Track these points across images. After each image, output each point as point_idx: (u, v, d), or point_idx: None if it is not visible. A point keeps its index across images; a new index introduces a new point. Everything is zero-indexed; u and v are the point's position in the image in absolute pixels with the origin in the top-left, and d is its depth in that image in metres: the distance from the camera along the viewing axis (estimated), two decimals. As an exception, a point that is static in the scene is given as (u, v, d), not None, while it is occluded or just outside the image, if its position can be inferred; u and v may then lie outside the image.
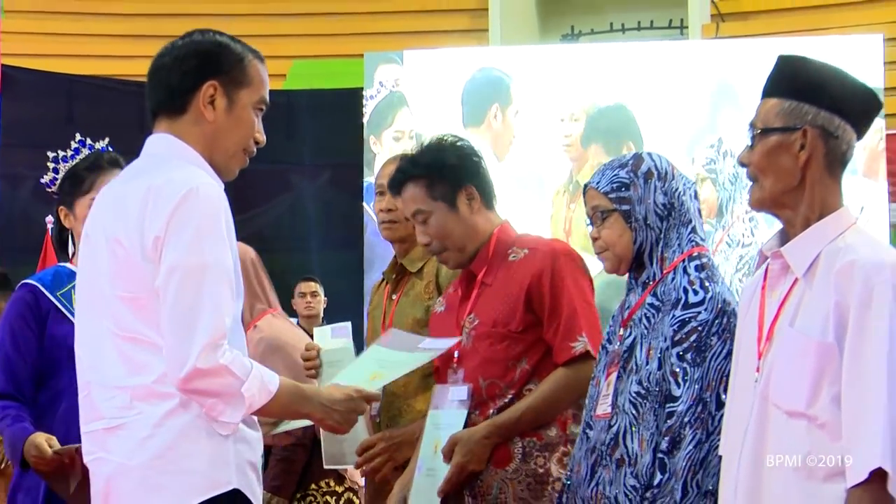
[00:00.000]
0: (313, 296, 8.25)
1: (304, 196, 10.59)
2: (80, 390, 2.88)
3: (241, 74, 2.89)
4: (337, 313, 8.72)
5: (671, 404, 3.02)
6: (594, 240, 3.24)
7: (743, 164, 2.83)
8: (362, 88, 9.66)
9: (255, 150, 2.94)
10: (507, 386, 3.50)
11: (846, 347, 2.62)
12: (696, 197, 3.25)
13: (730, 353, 2.98)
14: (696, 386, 3.00)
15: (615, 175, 3.20)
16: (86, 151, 3.98)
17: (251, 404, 2.73)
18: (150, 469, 2.71)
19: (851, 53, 8.53)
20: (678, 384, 3.02)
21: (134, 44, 11.25)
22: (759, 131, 2.78)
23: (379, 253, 10.01)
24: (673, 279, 3.12)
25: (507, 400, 3.50)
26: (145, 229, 2.72)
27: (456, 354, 3.59)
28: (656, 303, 3.12)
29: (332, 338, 4.05)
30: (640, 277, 3.19)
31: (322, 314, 8.29)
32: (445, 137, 3.76)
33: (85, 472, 3.42)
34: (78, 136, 4.05)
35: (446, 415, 3.54)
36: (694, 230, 3.19)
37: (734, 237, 8.83)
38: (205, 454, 2.72)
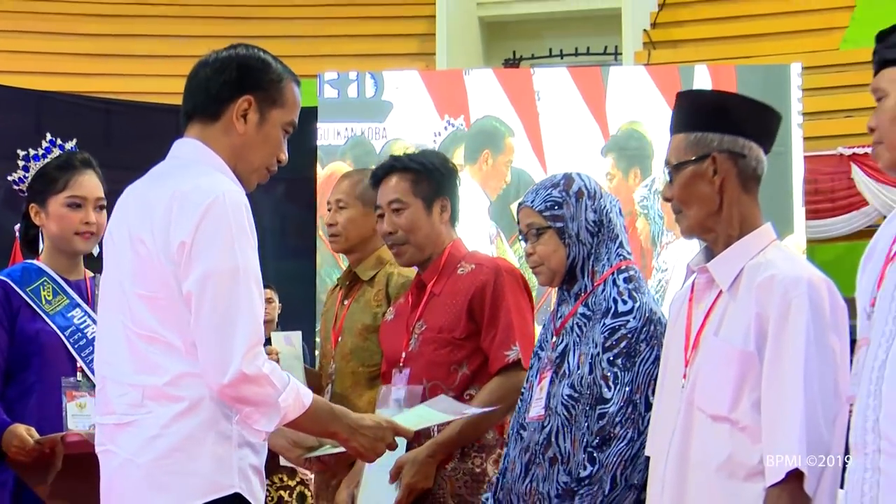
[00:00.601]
0: (269, 302, 8.18)
1: (261, 208, 10.47)
2: (97, 383, 2.83)
3: (277, 94, 2.82)
4: (291, 318, 8.67)
5: (602, 406, 3.03)
6: (529, 255, 3.25)
7: (667, 199, 2.86)
8: (315, 108, 9.65)
9: (276, 168, 2.87)
10: (449, 388, 3.52)
11: (766, 356, 2.65)
12: (620, 213, 3.28)
13: (657, 358, 3.01)
14: (627, 388, 3.02)
15: (549, 194, 3.22)
16: (57, 151, 3.88)
17: (286, 415, 2.66)
18: (155, 468, 2.64)
19: (773, 81, 8.60)
20: (609, 387, 3.03)
21: (101, 62, 11.18)
22: (674, 166, 2.80)
23: (330, 261, 9.99)
24: (603, 290, 3.14)
25: None
26: (171, 233, 2.64)
27: (403, 356, 3.63)
28: (587, 312, 3.15)
29: (285, 345, 4.05)
30: (573, 289, 3.21)
31: (277, 319, 8.25)
32: (430, 151, 3.83)
33: (64, 463, 3.40)
34: (48, 136, 3.97)
35: (392, 413, 3.51)
36: (621, 245, 3.23)
37: (660, 265, 8.89)
38: (209, 457, 2.65)
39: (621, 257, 3.20)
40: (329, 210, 4.10)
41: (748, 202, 2.80)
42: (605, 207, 3.23)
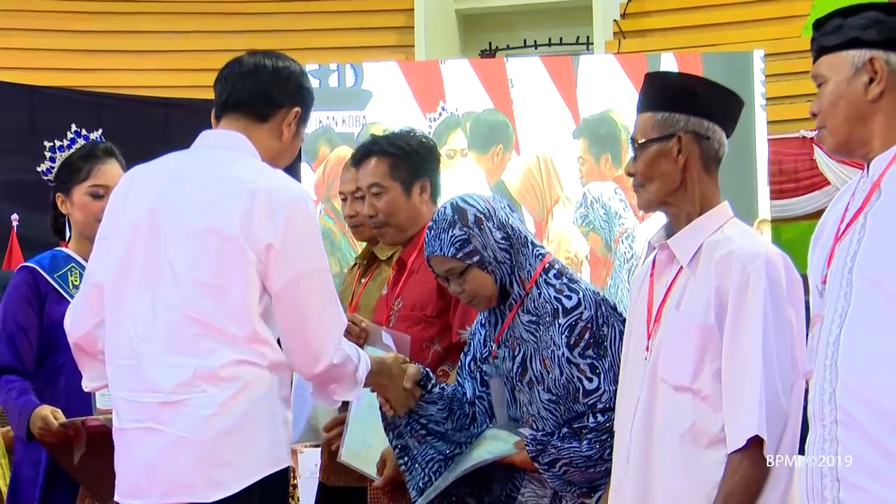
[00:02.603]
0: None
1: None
2: (127, 359, 2.78)
3: (308, 114, 2.96)
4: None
5: (590, 396, 3.03)
6: (459, 293, 3.20)
7: (630, 174, 2.86)
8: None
9: None
10: (423, 365, 3.45)
11: (726, 328, 2.67)
12: (513, 211, 3.23)
13: (621, 332, 3.02)
14: (611, 373, 3.02)
15: (452, 237, 3.13)
16: (81, 142, 3.90)
17: (360, 383, 2.90)
18: (217, 445, 2.68)
19: (737, 67, 8.63)
20: (589, 378, 3.03)
21: (92, 58, 11.15)
22: (640, 143, 2.81)
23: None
24: (540, 293, 3.11)
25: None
26: (256, 233, 2.70)
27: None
28: (532, 318, 3.11)
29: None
30: (507, 301, 3.17)
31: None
32: (416, 130, 3.75)
33: (90, 443, 3.42)
34: (73, 127, 3.99)
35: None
36: (532, 244, 3.18)
37: (620, 258, 8.92)
38: (266, 434, 2.72)
39: (539, 256, 3.16)
40: (343, 200, 4.02)
41: (709, 182, 2.81)
42: (504, 220, 3.16)
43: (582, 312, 3.06)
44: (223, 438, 2.67)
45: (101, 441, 3.28)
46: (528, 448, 3.05)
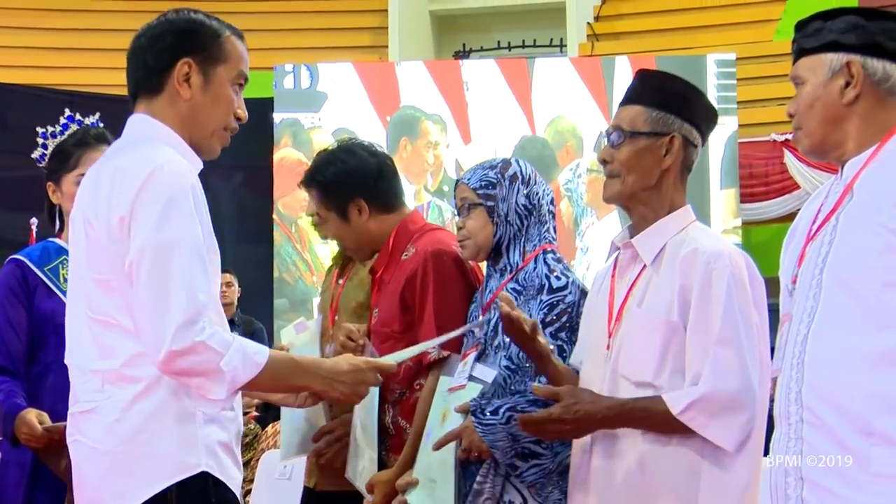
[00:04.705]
0: (228, 286, 8.18)
1: (220, 196, 10.50)
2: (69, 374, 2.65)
3: (218, 51, 2.61)
4: (250, 301, 8.69)
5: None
6: (459, 228, 3.28)
7: (604, 161, 2.86)
8: (272, 98, 9.63)
9: (237, 126, 2.67)
10: (396, 382, 3.42)
11: (690, 323, 2.70)
12: (552, 203, 3.29)
13: None
14: None
15: (485, 174, 3.26)
16: (74, 127, 3.72)
17: (234, 378, 2.44)
18: (119, 454, 2.47)
19: (690, 71, 8.71)
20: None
21: (63, 56, 11.10)
22: (628, 133, 2.82)
23: (285, 247, 10.00)
24: (535, 268, 3.16)
25: (396, 395, 3.45)
26: (111, 210, 2.46)
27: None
28: (518, 287, 3.16)
29: (297, 333, 3.88)
30: (498, 265, 3.23)
31: (236, 303, 8.24)
32: (337, 152, 3.64)
33: None
34: (67, 112, 3.83)
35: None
36: (548, 230, 3.24)
37: (585, 245, 8.96)
38: (173, 437, 2.46)
39: (547, 240, 3.22)
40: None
41: (680, 187, 2.86)
42: (537, 193, 3.24)
43: (566, 295, 3.09)
44: (125, 446, 2.46)
45: None
46: (472, 403, 3.02)
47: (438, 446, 3.09)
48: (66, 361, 2.64)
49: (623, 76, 8.78)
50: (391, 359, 2.82)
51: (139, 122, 2.63)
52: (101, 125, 3.77)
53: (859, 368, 2.28)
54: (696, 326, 2.69)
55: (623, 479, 2.74)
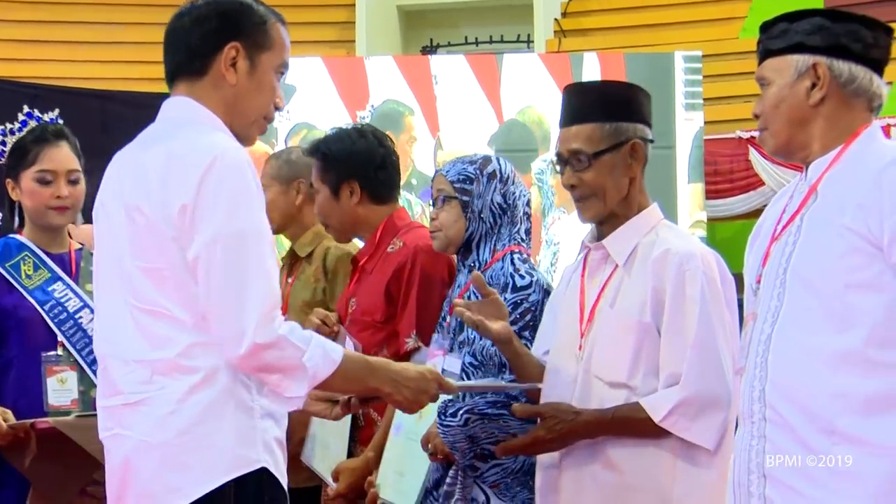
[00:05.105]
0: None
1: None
2: (98, 364, 2.54)
3: (264, 37, 2.52)
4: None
5: (511, 374, 3.02)
6: (432, 219, 3.29)
7: (572, 186, 2.86)
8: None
9: (274, 116, 2.59)
10: None
11: (664, 324, 2.72)
12: (528, 205, 3.29)
13: None
14: None
15: (464, 168, 3.26)
16: (33, 123, 3.74)
17: (314, 375, 2.38)
18: (173, 447, 2.35)
19: (659, 68, 8.73)
20: None
21: (27, 48, 11.00)
22: (591, 154, 2.81)
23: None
24: (502, 267, 3.16)
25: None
26: (170, 197, 2.35)
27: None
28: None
29: None
30: (467, 261, 3.25)
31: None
32: (350, 132, 3.68)
33: (41, 446, 3.20)
34: (25, 108, 3.77)
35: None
36: (519, 231, 3.25)
37: (550, 238, 8.98)
38: (231, 431, 2.35)
39: (517, 241, 3.23)
40: None
41: (642, 185, 2.88)
42: (513, 193, 3.25)
43: (530, 294, 3.09)
44: (181, 438, 2.35)
45: (53, 444, 3.19)
46: (440, 405, 3.02)
47: (423, 445, 3.10)
48: (99, 352, 2.53)
49: (591, 72, 8.77)
50: (455, 382, 2.78)
51: (182, 105, 2.52)
52: (61, 121, 3.72)
53: (822, 368, 2.30)
54: (671, 327, 2.71)
55: (595, 478, 2.75)
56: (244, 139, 2.54)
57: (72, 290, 3.51)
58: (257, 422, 2.39)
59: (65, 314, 3.48)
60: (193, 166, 2.35)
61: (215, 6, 2.52)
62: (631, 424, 2.70)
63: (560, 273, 3.10)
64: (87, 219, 4.87)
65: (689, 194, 9.00)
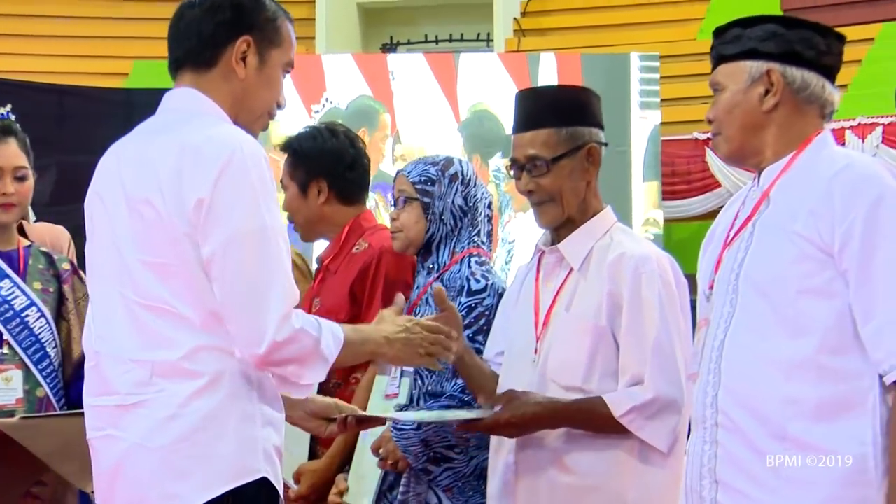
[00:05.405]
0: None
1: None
2: (87, 360, 2.45)
3: (274, 33, 2.49)
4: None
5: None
6: (393, 219, 3.27)
7: (529, 192, 2.85)
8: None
9: (276, 113, 2.55)
10: (331, 372, 3.42)
11: (623, 327, 2.73)
12: (489, 207, 3.29)
13: None
14: None
15: (426, 169, 3.25)
16: None
17: (330, 359, 2.37)
18: (173, 452, 2.28)
19: (615, 69, 8.78)
20: None
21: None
22: (549, 160, 2.82)
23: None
24: (459, 270, 3.16)
25: (330, 385, 3.41)
26: (184, 190, 2.28)
27: None
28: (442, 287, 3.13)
29: None
30: (426, 262, 3.24)
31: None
32: (322, 130, 3.67)
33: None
34: None
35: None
36: (479, 234, 3.24)
37: (506, 236, 9.00)
38: (234, 439, 2.29)
39: (476, 244, 3.22)
40: None
41: (596, 188, 2.89)
42: (475, 196, 3.24)
43: (484, 298, 3.09)
44: (181, 444, 2.28)
45: None
46: (394, 409, 3.03)
47: (373, 451, 3.09)
48: (91, 348, 2.45)
49: (548, 72, 8.80)
50: (406, 413, 2.83)
51: (188, 97, 2.46)
52: (13, 116, 3.66)
53: (774, 374, 2.31)
54: (630, 330, 2.73)
55: (551, 481, 2.76)
56: (249, 133, 2.47)
57: (19, 287, 3.46)
58: (259, 430, 2.34)
59: (11, 312, 3.43)
60: (211, 159, 2.30)
61: None
62: (591, 417, 2.72)
63: (514, 272, 3.09)
64: (43, 216, 4.82)
65: (644, 192, 9.05)
